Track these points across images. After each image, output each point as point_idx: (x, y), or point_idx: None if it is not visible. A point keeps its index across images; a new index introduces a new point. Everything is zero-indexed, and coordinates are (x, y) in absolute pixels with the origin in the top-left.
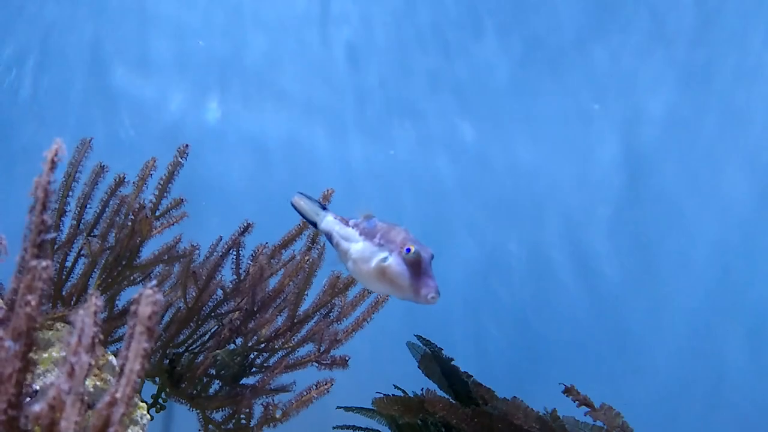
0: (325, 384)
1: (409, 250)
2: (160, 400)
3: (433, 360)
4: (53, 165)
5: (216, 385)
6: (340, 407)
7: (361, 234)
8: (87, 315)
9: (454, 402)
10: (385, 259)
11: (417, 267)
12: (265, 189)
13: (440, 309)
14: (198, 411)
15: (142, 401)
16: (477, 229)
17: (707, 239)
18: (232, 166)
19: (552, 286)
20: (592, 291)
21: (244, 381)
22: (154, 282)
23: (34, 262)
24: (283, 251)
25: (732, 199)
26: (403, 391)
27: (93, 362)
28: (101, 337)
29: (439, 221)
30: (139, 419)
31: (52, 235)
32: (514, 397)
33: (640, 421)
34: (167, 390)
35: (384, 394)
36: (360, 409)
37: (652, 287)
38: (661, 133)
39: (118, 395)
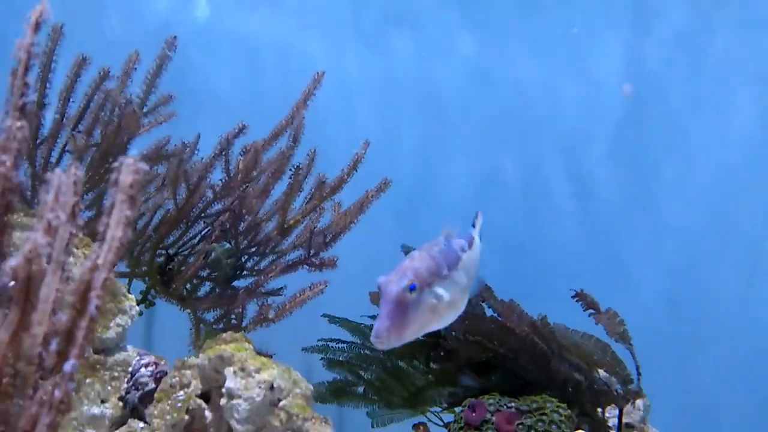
0: (320, 285)
1: (379, 282)
2: (150, 297)
3: None
4: (37, 26)
5: (207, 286)
6: (326, 315)
7: None
8: (65, 176)
9: None
10: None
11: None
12: (256, 95)
13: (430, 223)
14: (189, 311)
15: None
16: (473, 146)
17: (709, 163)
18: (222, 70)
19: (545, 207)
20: (586, 213)
21: (235, 284)
22: (136, 152)
23: (8, 122)
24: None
25: (738, 122)
26: None
27: (74, 232)
28: (81, 207)
29: (435, 136)
30: (128, 309)
31: (33, 97)
32: (511, 299)
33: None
34: (157, 289)
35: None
36: (345, 321)
37: (647, 210)
38: (668, 52)
39: (99, 261)
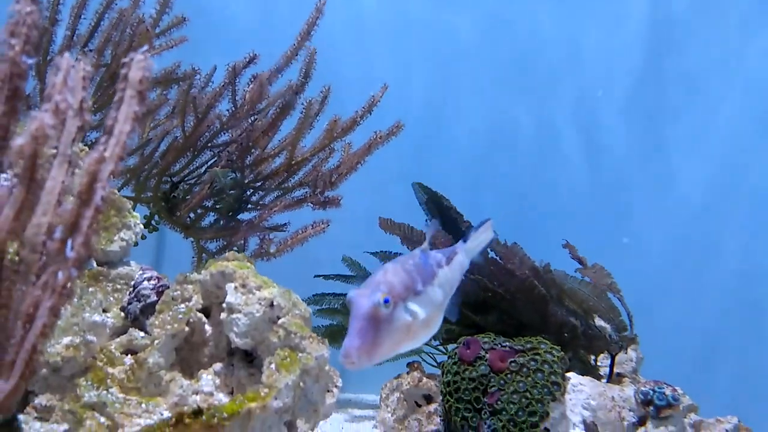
0: (322, 224)
1: (349, 296)
2: (153, 223)
3: (432, 207)
4: None
5: (211, 217)
6: (318, 275)
7: None
8: (74, 68)
9: (454, 239)
10: None
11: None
12: (269, 26)
13: (437, 172)
14: (192, 240)
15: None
16: (486, 94)
17: (724, 119)
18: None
19: (555, 159)
20: (597, 167)
21: (238, 217)
22: (145, 48)
23: (18, 6)
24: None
25: (757, 80)
26: (406, 225)
27: (81, 125)
28: (89, 103)
29: (448, 82)
30: (132, 226)
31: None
32: (514, 243)
33: (629, 291)
34: (161, 215)
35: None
36: (339, 276)
37: (658, 166)
38: (690, 4)
39: (107, 153)
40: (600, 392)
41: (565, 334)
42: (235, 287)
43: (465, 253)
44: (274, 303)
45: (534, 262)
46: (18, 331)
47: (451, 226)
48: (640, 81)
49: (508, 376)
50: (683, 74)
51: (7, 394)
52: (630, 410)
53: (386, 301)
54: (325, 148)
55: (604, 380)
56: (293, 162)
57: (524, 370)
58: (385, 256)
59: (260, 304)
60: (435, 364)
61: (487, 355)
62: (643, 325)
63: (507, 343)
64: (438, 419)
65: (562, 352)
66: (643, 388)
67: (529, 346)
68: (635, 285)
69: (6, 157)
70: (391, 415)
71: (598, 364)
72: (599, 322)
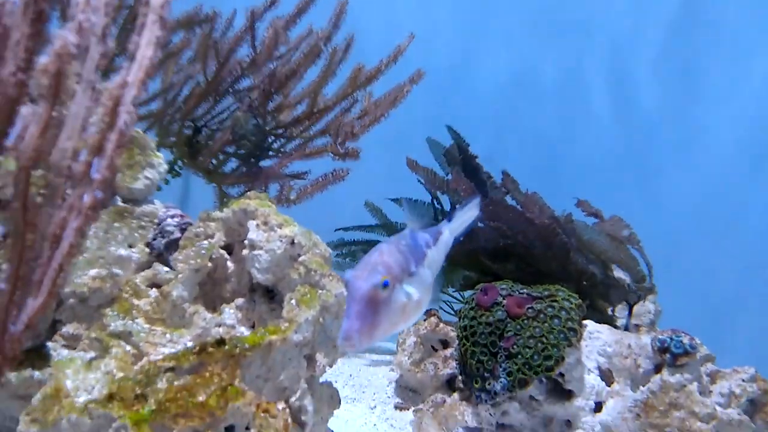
0: (342, 172)
1: (347, 278)
2: (176, 168)
3: (456, 155)
4: None
5: (233, 163)
6: (339, 228)
7: None
8: None
9: (475, 188)
10: None
11: (347, 300)
12: None
13: (461, 119)
14: (214, 186)
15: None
16: (514, 42)
17: (758, 73)
18: None
19: (582, 111)
20: (624, 120)
21: (260, 163)
22: None
23: None
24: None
25: None
26: (430, 169)
27: (104, 52)
28: (112, 30)
29: (476, 28)
30: (156, 165)
31: None
32: (534, 192)
33: (652, 246)
34: (184, 160)
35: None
36: (359, 227)
37: (688, 120)
38: None
39: (129, 78)
40: (616, 339)
41: (584, 282)
42: (257, 224)
43: (450, 233)
44: (295, 241)
45: (553, 211)
46: (45, 252)
47: (472, 175)
48: (673, 31)
49: (525, 321)
50: (717, 26)
51: (36, 311)
52: (646, 358)
53: (386, 284)
54: (348, 96)
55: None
56: (315, 110)
57: (541, 316)
58: (408, 203)
59: (281, 241)
60: (452, 311)
61: (505, 301)
62: (664, 280)
63: (525, 290)
64: (454, 363)
65: (580, 300)
66: (660, 336)
67: (546, 293)
68: (658, 240)
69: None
70: (408, 359)
71: (616, 315)
72: (618, 273)
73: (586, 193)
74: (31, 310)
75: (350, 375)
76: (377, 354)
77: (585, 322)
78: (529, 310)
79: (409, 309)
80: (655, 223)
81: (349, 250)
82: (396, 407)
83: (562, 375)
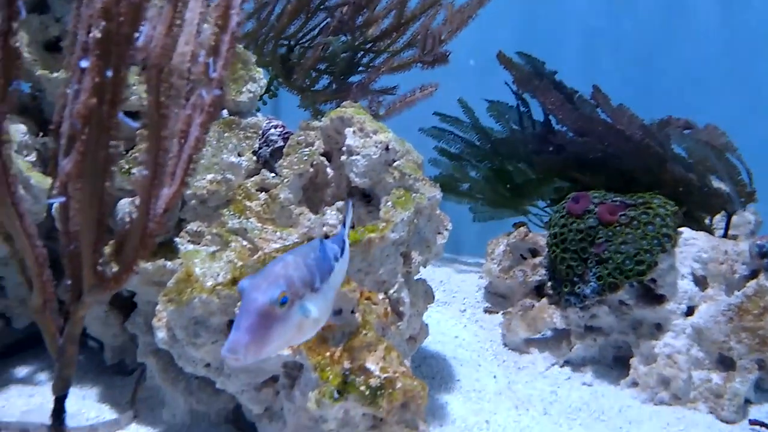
0: (430, 87)
1: (241, 286)
2: (272, 88)
3: (534, 77)
4: None
5: (324, 80)
6: (437, 113)
7: None
8: None
9: (564, 101)
10: None
11: (239, 310)
12: None
13: (552, 33)
14: (306, 108)
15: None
16: None
17: None
18: None
19: (685, 18)
20: (733, 30)
21: (349, 79)
22: None
23: None
24: None
25: None
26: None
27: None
28: None
29: None
30: (257, 79)
31: None
32: (621, 104)
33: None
34: (279, 80)
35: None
36: (455, 119)
37: None
38: None
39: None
40: (713, 246)
41: (680, 189)
42: (354, 131)
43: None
44: (390, 146)
45: (643, 121)
46: (175, 147)
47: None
48: None
49: (617, 228)
50: None
51: (170, 198)
52: (743, 264)
53: (284, 301)
54: (434, 5)
55: None
56: (402, 21)
57: (634, 222)
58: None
59: (377, 146)
60: (540, 224)
61: (597, 209)
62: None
63: (618, 198)
64: (543, 270)
65: (676, 207)
66: (759, 242)
67: (641, 200)
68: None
69: None
70: (497, 266)
71: (713, 225)
72: (716, 183)
73: (684, 112)
74: (166, 197)
75: (441, 281)
76: (465, 265)
77: (680, 229)
78: (622, 217)
79: (306, 327)
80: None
81: (447, 145)
82: (485, 311)
83: (654, 281)
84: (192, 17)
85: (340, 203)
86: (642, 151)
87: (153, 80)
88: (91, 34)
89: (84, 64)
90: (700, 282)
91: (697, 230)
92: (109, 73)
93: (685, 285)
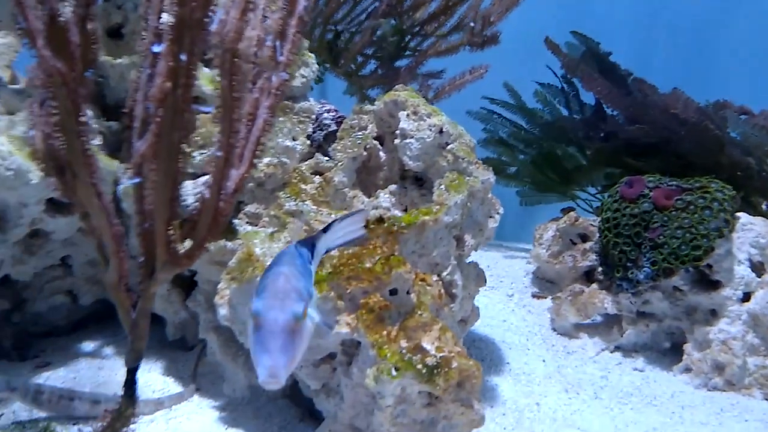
0: (480, 69)
1: (256, 309)
2: (318, 74)
3: (589, 58)
4: None
5: (371, 65)
6: (486, 97)
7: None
8: None
9: (613, 87)
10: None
11: (259, 334)
12: None
13: (604, 12)
14: (352, 94)
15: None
16: None
17: None
18: None
19: None
20: None
21: (397, 64)
22: None
23: None
24: None
25: None
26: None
27: None
28: None
29: None
30: (310, 64)
31: None
32: (675, 88)
33: None
34: (326, 65)
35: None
36: (504, 103)
37: None
38: None
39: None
40: None
41: (738, 174)
42: (407, 114)
43: (324, 245)
44: (443, 130)
45: (699, 104)
46: (243, 130)
47: (608, 74)
48: None
49: (673, 213)
50: None
51: (240, 178)
52: None
53: (301, 314)
54: None
55: None
56: (450, 3)
57: (691, 207)
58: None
59: (431, 130)
60: (590, 210)
61: (651, 193)
62: None
63: (674, 182)
64: (593, 255)
65: (734, 191)
66: None
67: (698, 184)
68: None
69: None
70: (546, 251)
71: None
72: None
73: (740, 97)
74: (236, 178)
75: (488, 266)
76: (512, 250)
77: (738, 214)
78: (678, 202)
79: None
80: None
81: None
82: (533, 296)
83: (709, 266)
84: (259, 1)
85: (393, 186)
86: (699, 134)
87: (227, 64)
88: (162, 20)
89: (157, 48)
90: (757, 268)
91: (754, 215)
92: (183, 57)
93: (742, 271)
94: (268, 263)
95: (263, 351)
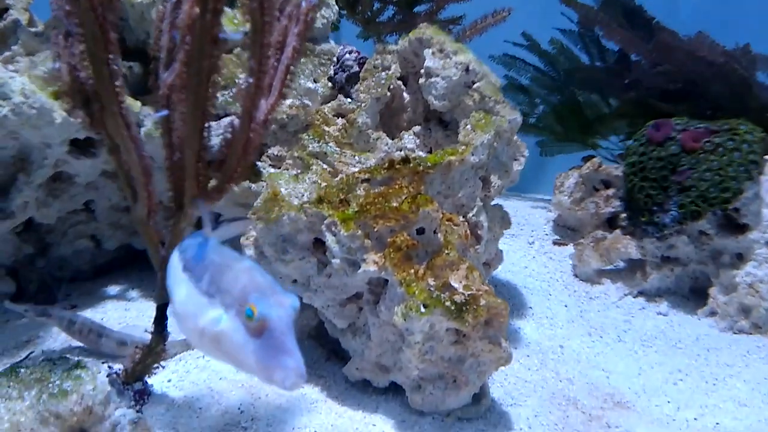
0: (503, 12)
1: (250, 312)
2: (334, 22)
3: (612, 2)
4: None
5: (389, 11)
6: (508, 41)
7: (185, 270)
8: None
9: (634, 34)
10: (217, 321)
11: (266, 337)
12: None
13: None
14: (370, 33)
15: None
16: None
17: None
18: None
19: None
20: None
21: (415, 9)
22: None
23: None
24: None
25: None
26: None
27: None
28: None
29: None
30: (331, 5)
31: None
32: (700, 31)
33: None
34: (344, 12)
35: None
36: (531, 44)
37: None
38: None
39: None
40: None
41: (767, 115)
42: (433, 52)
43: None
44: (470, 68)
45: (724, 47)
46: (272, 60)
47: (632, 18)
48: None
49: (701, 155)
50: None
51: (270, 108)
52: None
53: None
54: None
55: None
56: None
57: (720, 149)
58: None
59: (457, 68)
60: (611, 158)
61: (679, 136)
62: None
63: (702, 124)
64: (616, 202)
65: (765, 133)
66: None
67: (726, 126)
68: None
69: None
70: (568, 198)
71: None
72: None
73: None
74: (266, 107)
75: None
76: (532, 201)
77: (767, 156)
78: (707, 144)
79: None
80: None
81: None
82: (554, 243)
83: (737, 209)
84: None
85: (417, 128)
86: (726, 75)
87: None
88: None
89: None
90: None
91: None
92: None
93: None
94: (188, 257)
95: (281, 353)
